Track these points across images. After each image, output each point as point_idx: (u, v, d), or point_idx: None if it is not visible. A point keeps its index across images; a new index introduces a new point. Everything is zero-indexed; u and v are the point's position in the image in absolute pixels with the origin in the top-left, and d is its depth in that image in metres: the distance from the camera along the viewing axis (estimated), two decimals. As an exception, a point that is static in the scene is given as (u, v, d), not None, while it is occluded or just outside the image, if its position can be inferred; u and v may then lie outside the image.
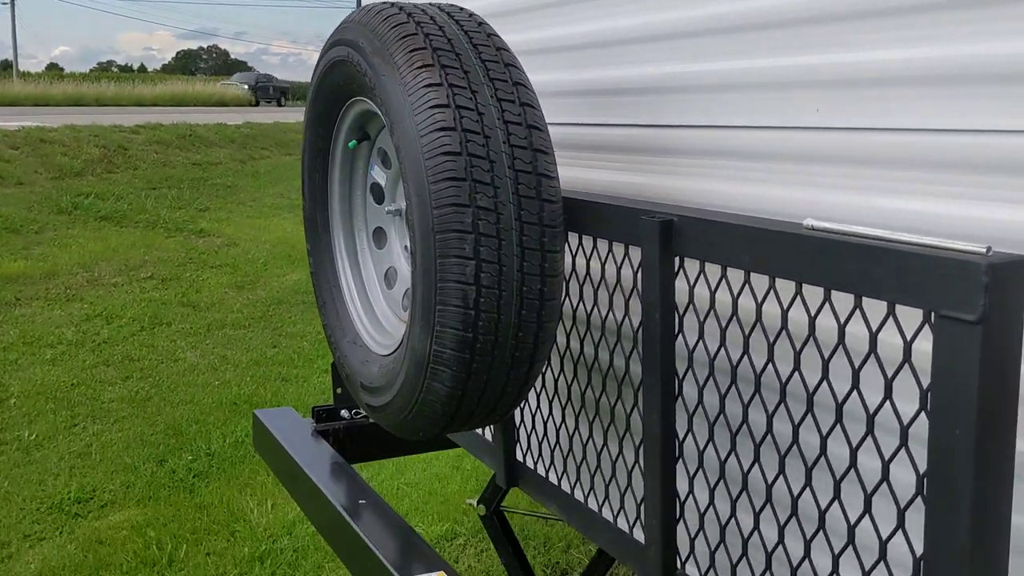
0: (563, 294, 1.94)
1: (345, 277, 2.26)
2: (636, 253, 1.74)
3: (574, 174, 2.20)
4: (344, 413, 3.14)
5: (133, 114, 19.80)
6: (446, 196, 1.70)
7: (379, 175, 2.20)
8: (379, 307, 2.24)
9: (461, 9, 1.93)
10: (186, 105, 28.16)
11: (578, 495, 2.14)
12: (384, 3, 1.94)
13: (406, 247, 2.17)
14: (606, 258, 1.90)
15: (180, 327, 7.23)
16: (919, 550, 1.23)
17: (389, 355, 2.04)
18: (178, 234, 10.30)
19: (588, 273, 2.00)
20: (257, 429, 3.23)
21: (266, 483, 4.52)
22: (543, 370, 2.15)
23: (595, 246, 1.93)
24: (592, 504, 2.08)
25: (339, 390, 3.14)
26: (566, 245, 1.93)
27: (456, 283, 1.71)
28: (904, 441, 1.26)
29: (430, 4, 1.95)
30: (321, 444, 3.00)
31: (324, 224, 2.28)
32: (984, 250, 1.12)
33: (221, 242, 10.16)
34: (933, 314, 1.16)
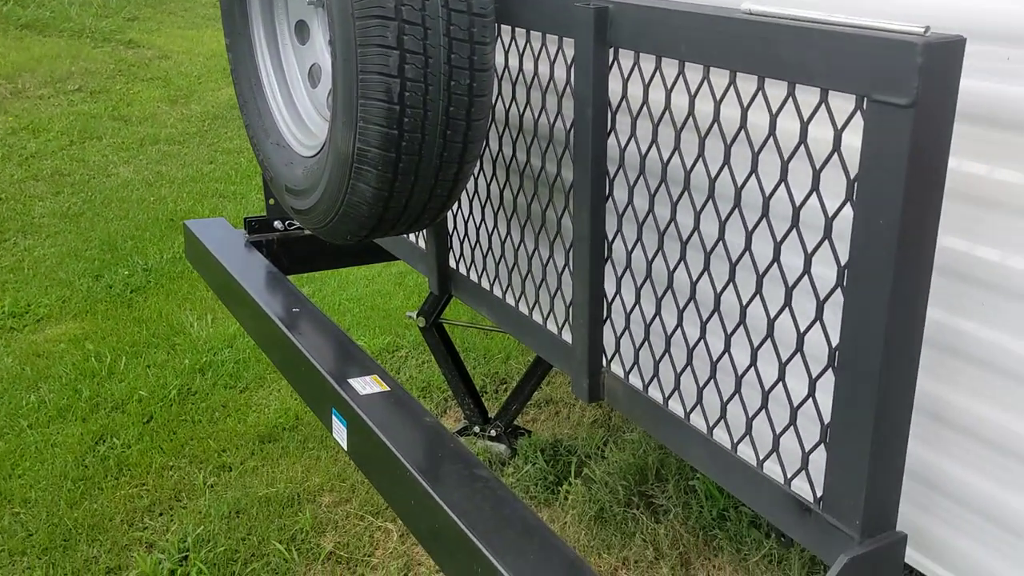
0: (494, 92, 1.86)
1: (266, 75, 2.14)
2: (569, 48, 1.65)
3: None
4: (277, 224, 3.07)
5: (51, -86, 18.31)
6: (366, -21, 1.57)
7: (299, -38, 2.05)
8: (303, 107, 2.13)
9: None
10: (110, -94, 26.12)
11: (510, 300, 2.13)
12: None
13: (330, 41, 2.05)
14: (539, 53, 1.81)
15: (111, 141, 6.96)
16: (835, 341, 1.24)
17: (313, 156, 1.96)
18: (106, 44, 9.75)
19: (520, 70, 1.91)
20: (189, 240, 3.16)
21: (205, 298, 4.48)
22: (474, 173, 2.10)
23: (528, 40, 1.83)
24: (523, 308, 2.08)
25: (271, 201, 3.06)
26: (497, 39, 1.84)
27: (379, 75, 1.62)
28: (828, 234, 1.24)
29: None
30: (254, 255, 2.95)
31: (242, 14, 2.13)
32: (922, 30, 1.06)
33: (152, 54, 9.67)
34: (865, 100, 1.12)
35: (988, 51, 1.21)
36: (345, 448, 2.05)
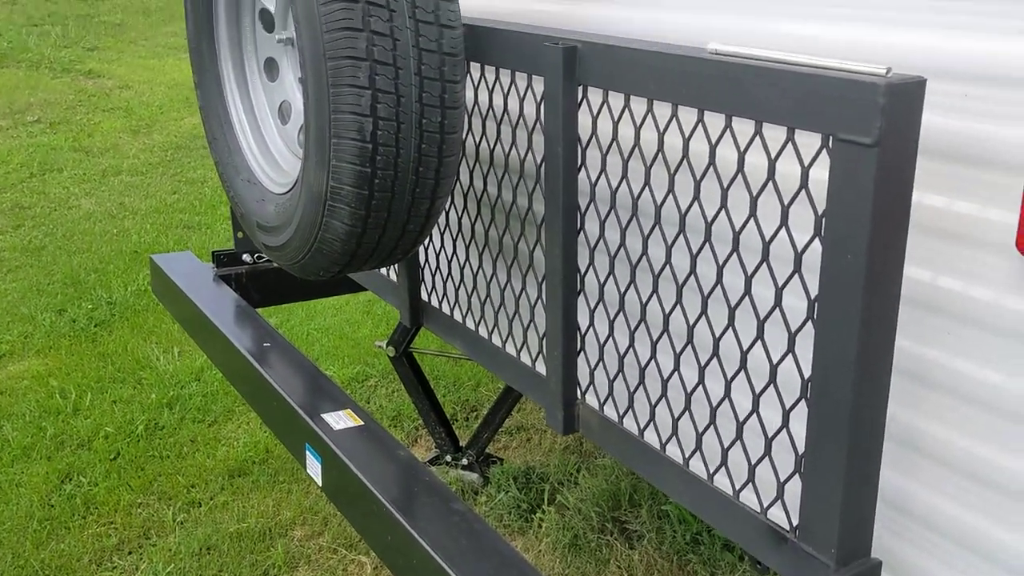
0: (465, 128, 1.88)
1: (236, 111, 2.14)
2: (539, 85, 1.68)
3: (471, 2, 2.10)
4: (246, 257, 3.07)
5: (7, -57, 18.16)
6: (337, 19, 1.59)
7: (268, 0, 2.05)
8: (274, 143, 2.14)
9: None
10: (67, -66, 25.98)
11: (483, 332, 2.15)
12: None
13: (300, 79, 2.06)
14: (508, 90, 1.84)
15: (73, 173, 6.89)
16: (807, 373, 1.27)
17: (285, 193, 1.96)
18: (65, 75, 9.67)
19: (491, 107, 1.93)
20: (156, 275, 3.14)
21: (171, 331, 4.44)
22: (445, 207, 2.11)
23: (497, 77, 1.86)
24: (496, 340, 2.09)
25: (240, 234, 3.05)
26: (467, 76, 1.86)
27: (351, 114, 1.63)
28: (797, 268, 1.27)
29: None
30: (223, 289, 2.93)
31: (211, 53, 2.13)
32: (884, 71, 1.10)
33: (113, 84, 9.59)
34: (831, 139, 1.15)
35: (947, 89, 1.25)
36: (320, 484, 2.04)
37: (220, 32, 2.13)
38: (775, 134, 1.25)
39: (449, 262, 2.25)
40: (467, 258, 2.17)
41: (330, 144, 1.66)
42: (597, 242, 1.68)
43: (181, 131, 8.10)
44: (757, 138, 1.28)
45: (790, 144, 1.23)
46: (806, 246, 1.24)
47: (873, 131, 1.09)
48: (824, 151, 1.17)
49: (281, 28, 2.06)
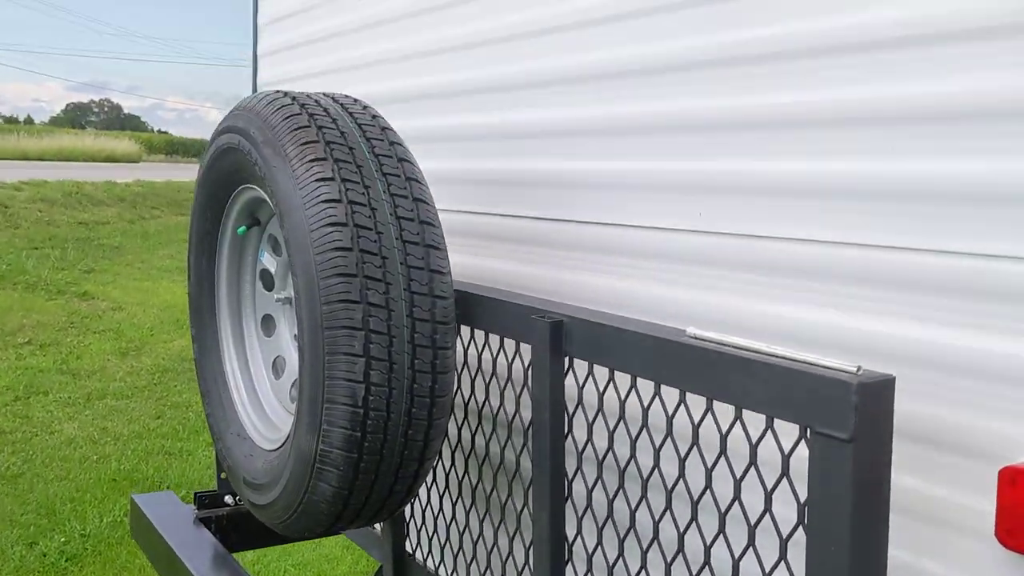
0: (454, 389, 1.93)
1: (231, 365, 2.20)
2: (527, 349, 1.74)
3: (466, 261, 2.21)
4: (228, 499, 3.03)
5: (17, 169, 19.06)
6: (336, 292, 1.67)
7: (269, 262, 2.16)
8: (266, 398, 2.17)
9: (355, 101, 1.93)
10: (74, 160, 27.37)
11: (468, 591, 2.10)
12: (276, 92, 1.93)
13: (295, 336, 2.13)
14: (498, 352, 1.90)
15: (58, 396, 6.89)
16: (799, 662, 1.24)
17: (275, 451, 1.98)
18: (60, 297, 9.86)
19: (480, 366, 1.99)
20: (135, 515, 3.08)
21: (144, 567, 4.30)
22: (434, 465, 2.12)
23: (487, 339, 1.93)
24: (482, 601, 2.04)
25: (223, 475, 3.02)
26: (458, 337, 1.93)
27: (345, 380, 1.68)
28: (783, 555, 1.28)
29: (323, 95, 1.95)
30: (202, 532, 2.88)
31: (210, 309, 2.21)
32: (855, 369, 1.16)
33: (106, 306, 9.78)
34: (808, 430, 1.19)
35: (920, 376, 1.31)
36: None
37: (220, 290, 2.22)
38: (759, 415, 1.30)
39: (435, 518, 2.23)
40: (454, 516, 2.15)
41: (322, 408, 1.69)
42: (585, 509, 1.69)
43: (170, 353, 8.18)
44: (738, 421, 1.33)
45: (770, 431, 1.27)
46: (790, 535, 1.26)
47: (848, 427, 1.13)
48: (803, 440, 1.21)
49: (280, 288, 2.16)
